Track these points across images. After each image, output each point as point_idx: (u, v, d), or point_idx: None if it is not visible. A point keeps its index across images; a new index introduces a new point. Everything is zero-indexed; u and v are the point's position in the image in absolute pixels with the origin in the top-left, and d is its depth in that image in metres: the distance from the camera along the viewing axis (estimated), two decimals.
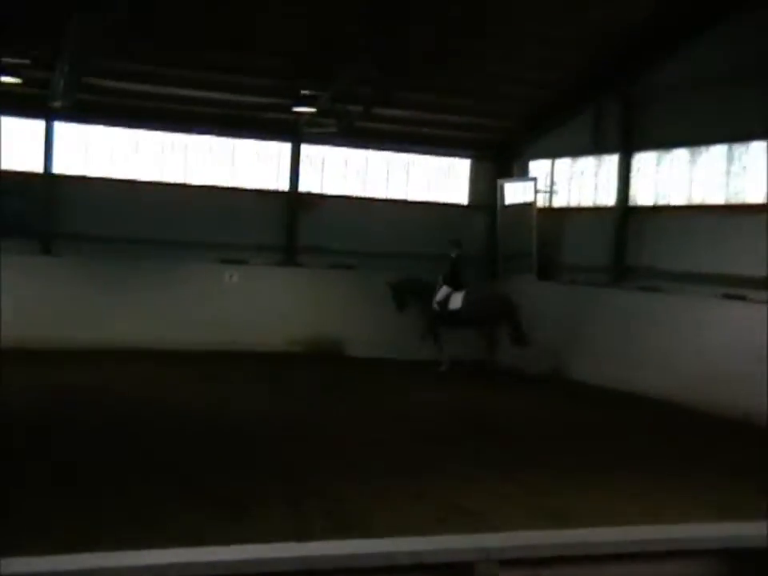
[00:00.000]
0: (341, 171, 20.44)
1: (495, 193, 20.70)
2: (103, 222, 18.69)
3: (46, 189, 18.47)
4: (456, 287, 16.95)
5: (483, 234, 21.02)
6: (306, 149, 19.97)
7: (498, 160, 21.20)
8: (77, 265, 18.59)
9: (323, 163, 20.31)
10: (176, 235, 18.97)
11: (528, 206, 19.85)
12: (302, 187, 20.06)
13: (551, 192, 20.13)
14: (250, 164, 19.91)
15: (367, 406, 13.74)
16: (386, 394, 15.13)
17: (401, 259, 19.36)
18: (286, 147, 19.94)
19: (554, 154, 20.10)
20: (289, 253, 20.00)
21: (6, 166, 17.43)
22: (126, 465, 9.38)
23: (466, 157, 21.30)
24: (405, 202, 20.79)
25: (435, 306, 16.88)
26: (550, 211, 19.91)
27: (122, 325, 18.14)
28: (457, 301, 16.81)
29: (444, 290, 16.93)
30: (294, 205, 19.97)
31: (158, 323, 18.32)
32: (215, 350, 17.86)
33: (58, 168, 18.72)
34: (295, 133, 19.41)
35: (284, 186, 20.08)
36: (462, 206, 21.35)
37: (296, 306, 18.96)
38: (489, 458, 10.45)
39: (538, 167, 20.64)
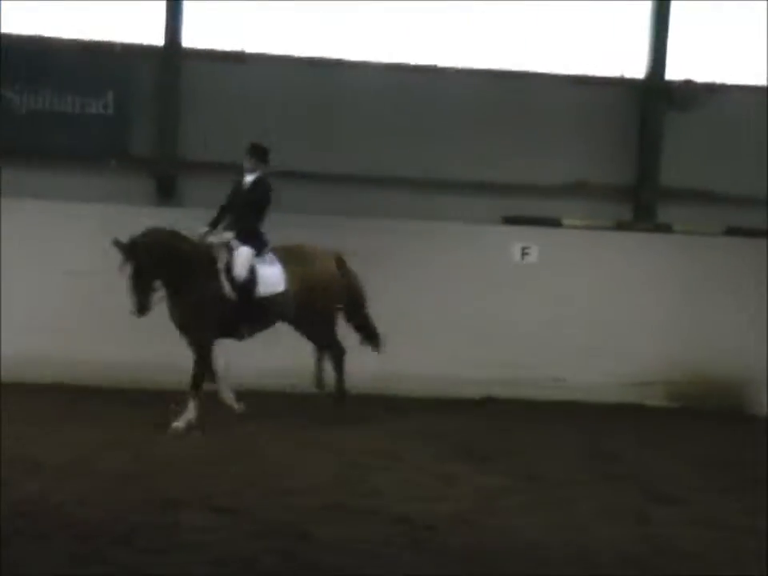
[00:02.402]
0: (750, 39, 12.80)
1: None
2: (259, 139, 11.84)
3: (165, 68, 12.66)
4: (257, 248, 10.07)
5: None
6: None
7: None
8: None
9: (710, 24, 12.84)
10: (404, 167, 12.65)
11: None
12: (672, 72, 13.22)
13: None
14: (557, 28, 13.21)
15: None
16: None
17: None
18: None
19: None
20: (643, 201, 13.21)
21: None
22: None
23: None
24: None
25: (228, 291, 9.92)
26: None
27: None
28: (272, 277, 10.23)
29: (245, 256, 10.03)
30: (654, 106, 13.25)
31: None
32: (491, 397, 11.64)
33: (186, 38, 12.85)
34: None
35: (635, 68, 13.39)
36: None
37: (661, 316, 12.22)
38: None
39: None
